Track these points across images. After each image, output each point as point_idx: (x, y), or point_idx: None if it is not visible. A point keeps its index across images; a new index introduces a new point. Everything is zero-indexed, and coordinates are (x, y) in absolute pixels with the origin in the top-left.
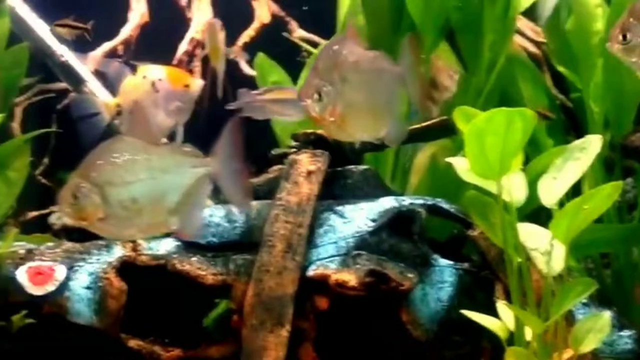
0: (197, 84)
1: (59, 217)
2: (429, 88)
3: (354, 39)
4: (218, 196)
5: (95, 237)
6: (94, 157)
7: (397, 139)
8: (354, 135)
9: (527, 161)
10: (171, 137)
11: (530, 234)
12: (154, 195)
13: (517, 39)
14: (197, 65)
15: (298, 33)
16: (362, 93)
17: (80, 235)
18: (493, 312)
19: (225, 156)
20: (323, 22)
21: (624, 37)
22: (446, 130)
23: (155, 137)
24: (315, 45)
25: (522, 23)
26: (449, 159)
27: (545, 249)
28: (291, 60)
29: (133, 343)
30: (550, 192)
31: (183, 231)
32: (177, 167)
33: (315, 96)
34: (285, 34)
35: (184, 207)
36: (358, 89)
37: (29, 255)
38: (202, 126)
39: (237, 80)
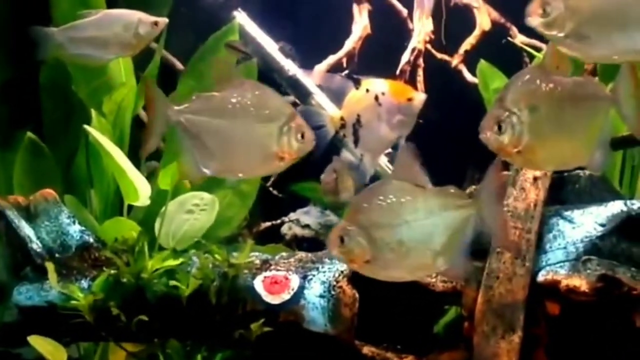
0: (420, 97)
1: (290, 227)
2: None
3: (552, 66)
4: None
5: (325, 247)
6: (361, 201)
7: (600, 167)
8: (547, 166)
9: None
10: (394, 148)
11: None
12: (420, 237)
13: None
14: (420, 75)
15: (519, 39)
16: (556, 122)
17: (311, 245)
18: None
19: (488, 197)
20: None
21: (544, 10)
22: None
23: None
24: (537, 50)
25: None
26: None
27: None
28: (513, 66)
29: (367, 350)
30: None
31: (449, 273)
32: (442, 209)
33: (495, 128)
34: (508, 39)
35: (450, 249)
36: (551, 118)
37: (265, 265)
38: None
39: (459, 87)
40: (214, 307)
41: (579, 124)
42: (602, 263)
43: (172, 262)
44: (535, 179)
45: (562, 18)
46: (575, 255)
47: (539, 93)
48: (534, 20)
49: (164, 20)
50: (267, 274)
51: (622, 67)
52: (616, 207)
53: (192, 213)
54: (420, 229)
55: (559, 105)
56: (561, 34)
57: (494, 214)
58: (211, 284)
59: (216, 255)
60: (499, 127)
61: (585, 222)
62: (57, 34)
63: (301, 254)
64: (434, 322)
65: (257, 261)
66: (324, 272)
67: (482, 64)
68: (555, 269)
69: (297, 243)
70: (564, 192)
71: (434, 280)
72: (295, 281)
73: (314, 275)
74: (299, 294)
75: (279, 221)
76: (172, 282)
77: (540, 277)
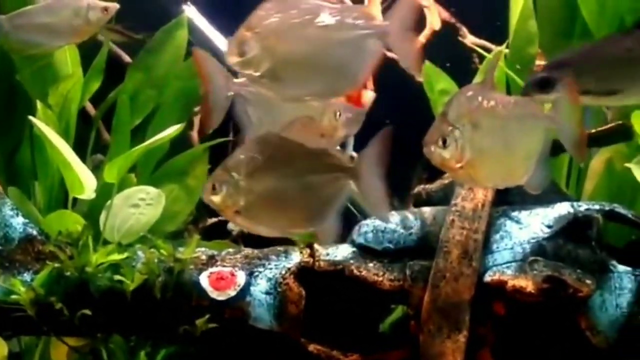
0: (368, 95)
1: None
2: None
3: (491, 85)
4: (392, 203)
5: (271, 243)
6: (239, 151)
7: (539, 186)
8: (487, 182)
9: None
10: (342, 146)
11: None
12: (292, 194)
13: None
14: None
15: (470, 39)
16: (497, 139)
17: (257, 241)
18: None
19: (367, 166)
20: (494, 28)
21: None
22: (622, 134)
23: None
24: (487, 50)
25: None
26: (628, 165)
27: None
28: (462, 67)
29: (312, 347)
30: None
31: (320, 235)
32: (318, 170)
33: (440, 142)
34: (459, 39)
35: (323, 211)
36: (492, 135)
37: (211, 260)
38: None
39: (409, 87)
40: (159, 302)
41: (518, 143)
42: (548, 264)
43: (116, 256)
44: None
45: (258, 58)
46: (521, 256)
47: (481, 109)
48: (232, 59)
49: (114, 6)
50: (213, 269)
51: (561, 87)
52: (562, 208)
53: (138, 207)
54: (293, 186)
55: (500, 123)
56: (256, 74)
57: (370, 183)
58: (156, 279)
59: (162, 250)
60: (444, 142)
61: (532, 223)
62: (4, 22)
63: (247, 250)
64: (380, 321)
65: (203, 257)
66: (271, 268)
67: (427, 65)
68: (502, 269)
69: (244, 240)
70: (511, 193)
71: (380, 279)
72: (241, 277)
73: (260, 272)
74: (245, 290)
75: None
76: (117, 277)
77: (487, 277)
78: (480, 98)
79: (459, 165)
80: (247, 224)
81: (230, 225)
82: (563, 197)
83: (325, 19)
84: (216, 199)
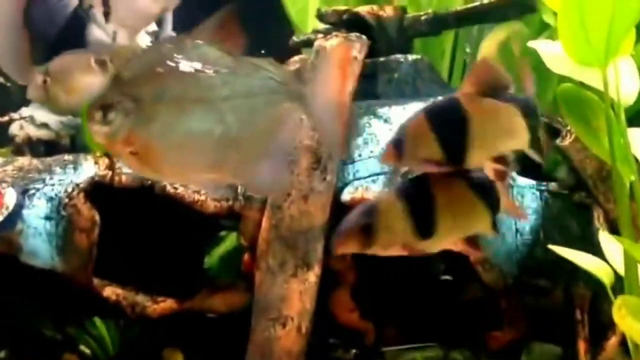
0: None
1: (22, 126)
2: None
3: (209, 35)
4: None
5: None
6: None
7: (279, 186)
8: (172, 177)
9: None
10: (159, 24)
11: None
12: None
13: None
14: None
15: None
16: (199, 121)
17: (50, 149)
18: (591, 248)
19: None
20: None
21: None
22: (521, 6)
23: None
24: None
25: None
26: (531, 44)
27: None
28: None
29: (110, 291)
30: None
31: None
32: None
33: (98, 114)
34: None
35: None
36: (190, 114)
37: None
38: None
39: None
40: None
41: (246, 125)
42: None
43: None
44: None
45: None
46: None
47: (174, 74)
48: None
49: None
50: None
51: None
52: None
53: None
54: None
55: (208, 96)
56: None
57: None
58: None
59: None
60: (104, 115)
61: None
62: None
63: (22, 161)
64: (205, 254)
65: None
66: (53, 185)
67: None
68: (366, 183)
69: (31, 147)
70: (380, 82)
71: (202, 197)
72: (10, 197)
73: (38, 190)
74: (16, 214)
75: (6, 118)
76: None
77: (346, 195)
78: (179, 55)
79: (128, 149)
80: None
81: (14, 129)
82: (445, 89)
83: None
84: None
